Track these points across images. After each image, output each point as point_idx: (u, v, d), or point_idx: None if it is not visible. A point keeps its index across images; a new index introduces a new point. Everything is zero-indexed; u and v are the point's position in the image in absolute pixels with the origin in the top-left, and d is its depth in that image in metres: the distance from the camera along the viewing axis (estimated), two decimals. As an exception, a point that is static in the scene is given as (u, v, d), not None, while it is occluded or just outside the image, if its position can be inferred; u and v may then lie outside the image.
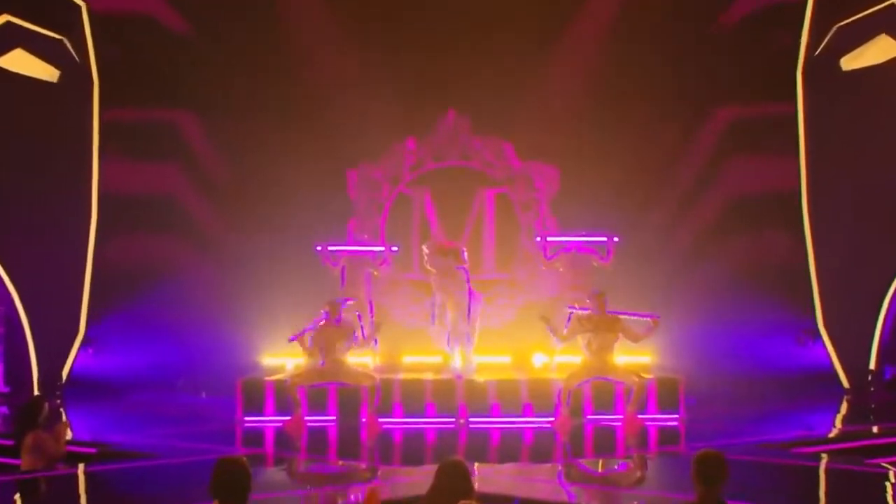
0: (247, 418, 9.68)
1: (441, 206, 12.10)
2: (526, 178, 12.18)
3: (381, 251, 11.11)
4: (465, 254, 10.60)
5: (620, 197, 11.69)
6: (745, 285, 11.55)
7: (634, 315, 9.27)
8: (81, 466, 7.63)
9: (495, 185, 12.18)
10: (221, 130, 12.03)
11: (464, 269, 10.42)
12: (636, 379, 9.14)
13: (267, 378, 10.09)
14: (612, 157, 11.78)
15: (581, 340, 9.36)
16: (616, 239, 10.74)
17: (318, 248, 10.84)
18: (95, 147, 11.99)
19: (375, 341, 10.65)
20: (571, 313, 9.83)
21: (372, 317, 10.85)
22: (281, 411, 9.58)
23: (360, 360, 10.52)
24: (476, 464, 7.21)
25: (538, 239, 11.24)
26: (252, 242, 11.84)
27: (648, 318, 9.19)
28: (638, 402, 9.16)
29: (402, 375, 10.45)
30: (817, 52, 11.66)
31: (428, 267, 10.60)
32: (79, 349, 11.77)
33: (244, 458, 4.50)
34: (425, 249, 10.65)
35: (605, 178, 11.70)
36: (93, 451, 8.15)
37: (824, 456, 7.99)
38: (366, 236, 11.56)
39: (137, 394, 11.31)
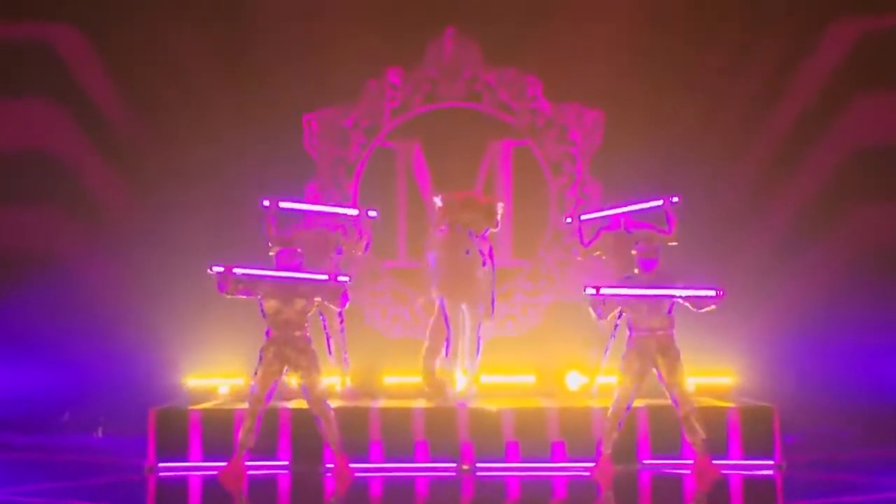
0: (162, 465, 9.70)
1: (437, 165, 12.16)
2: (557, 127, 12.26)
3: (352, 215, 10.64)
4: (497, 213, 10.48)
5: (690, 152, 11.81)
6: (868, 276, 11.63)
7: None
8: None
9: (514, 137, 12.27)
10: (124, 58, 12.01)
11: (483, 239, 10.39)
12: (686, 408, 9.13)
13: (191, 408, 10.10)
14: (678, 97, 11.87)
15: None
16: (676, 199, 10.46)
17: (266, 203, 10.20)
18: (-65, 79, 12.02)
19: (345, 360, 10.64)
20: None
21: (341, 322, 10.74)
22: (212, 454, 9.56)
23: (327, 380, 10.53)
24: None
25: (569, 220, 10.93)
26: (169, 219, 11.89)
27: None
28: (694, 438, 9.12)
29: (381, 402, 10.47)
30: None
31: (436, 235, 10.54)
32: None
33: None
34: (438, 203, 10.58)
35: (669, 126, 11.83)
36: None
37: None
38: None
39: (1, 433, 11.33)
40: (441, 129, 12.23)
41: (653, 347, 9.12)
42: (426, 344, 10.57)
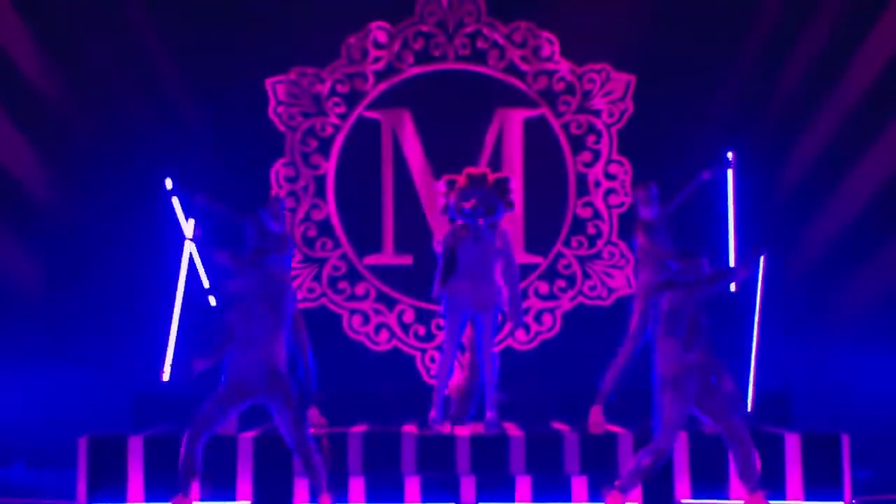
0: (94, 507, 9.81)
1: (431, 139, 12.21)
2: (579, 93, 12.28)
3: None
4: (512, 190, 10.43)
5: (737, 127, 11.84)
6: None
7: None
8: None
9: (526, 106, 12.31)
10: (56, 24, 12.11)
11: (497, 227, 10.22)
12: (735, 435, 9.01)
13: (132, 436, 9.99)
14: (724, 59, 11.96)
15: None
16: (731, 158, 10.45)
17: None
18: None
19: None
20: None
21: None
22: (156, 491, 9.57)
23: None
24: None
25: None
26: (103, 206, 11.97)
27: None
28: (745, 472, 8.93)
29: (364, 428, 10.38)
30: None
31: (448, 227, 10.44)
32: None
33: None
34: (440, 189, 10.67)
35: (712, 95, 11.94)
36: None
37: None
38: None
39: None
40: (437, 96, 12.29)
41: (700, 363, 8.93)
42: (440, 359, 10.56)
